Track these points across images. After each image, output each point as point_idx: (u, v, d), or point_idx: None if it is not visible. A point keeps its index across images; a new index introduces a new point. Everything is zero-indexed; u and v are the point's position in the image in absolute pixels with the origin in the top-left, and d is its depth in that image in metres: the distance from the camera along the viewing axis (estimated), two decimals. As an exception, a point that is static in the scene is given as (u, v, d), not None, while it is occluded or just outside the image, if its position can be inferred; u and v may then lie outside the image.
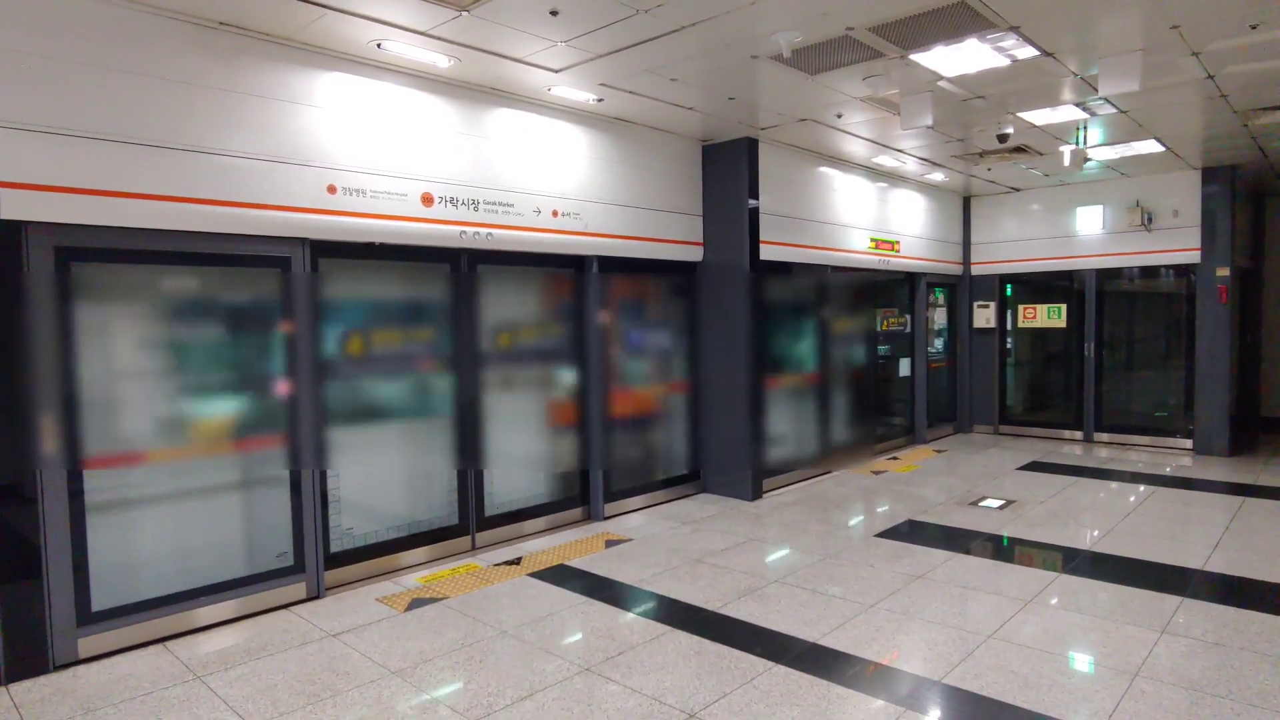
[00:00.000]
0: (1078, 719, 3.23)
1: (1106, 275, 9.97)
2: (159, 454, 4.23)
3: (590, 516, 6.54)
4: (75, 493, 3.90)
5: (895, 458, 9.21)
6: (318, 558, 4.78)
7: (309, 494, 4.76)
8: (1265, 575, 4.94)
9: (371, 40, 4.57)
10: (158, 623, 4.18)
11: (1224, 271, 8.84)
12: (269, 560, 4.63)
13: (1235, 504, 6.75)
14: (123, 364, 4.14)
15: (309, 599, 4.75)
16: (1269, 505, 6.67)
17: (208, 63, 4.21)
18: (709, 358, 7.28)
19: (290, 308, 4.66)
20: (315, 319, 4.75)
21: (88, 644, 3.94)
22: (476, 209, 5.44)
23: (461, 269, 5.55)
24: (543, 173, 5.89)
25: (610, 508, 6.61)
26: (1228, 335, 8.88)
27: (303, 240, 4.65)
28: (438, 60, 4.91)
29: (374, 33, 4.47)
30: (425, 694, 3.54)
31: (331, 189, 4.71)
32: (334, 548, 4.97)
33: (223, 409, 4.49)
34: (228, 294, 4.55)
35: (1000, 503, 6.92)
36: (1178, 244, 9.25)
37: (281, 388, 4.65)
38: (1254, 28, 4.65)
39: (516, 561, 5.46)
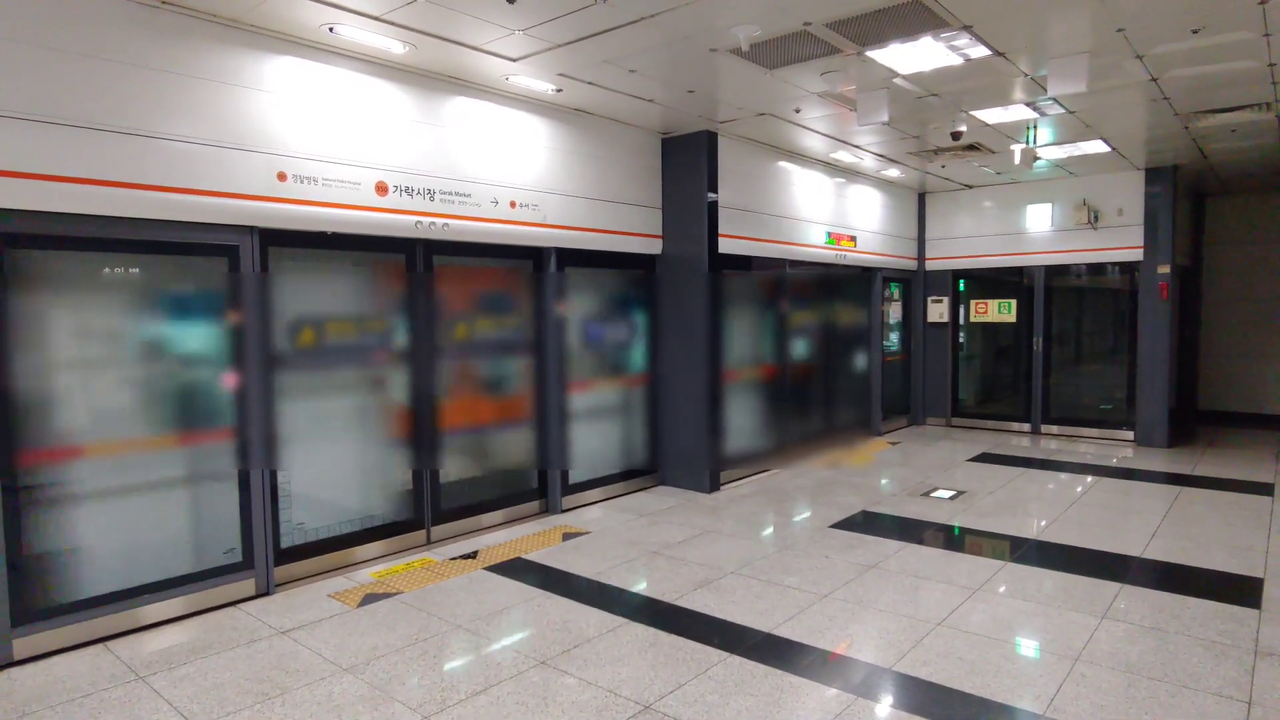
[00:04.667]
0: (1021, 703, 3.32)
1: (1055, 271, 10.24)
2: (99, 448, 4.09)
3: (548, 509, 6.51)
4: (9, 488, 3.75)
5: (851, 450, 9.35)
6: (267, 553, 4.68)
7: (258, 489, 4.65)
8: (1200, 562, 5.13)
9: (323, 24, 4.46)
10: (99, 622, 4.05)
11: (1165, 269, 9.14)
12: (216, 557, 4.52)
13: (1173, 493, 7.00)
14: (61, 354, 3.99)
15: (258, 596, 4.65)
16: (1204, 494, 6.94)
17: (150, 43, 4.07)
18: (667, 350, 7.29)
19: (238, 297, 4.54)
20: (264, 309, 4.64)
21: (23, 644, 3.80)
22: (432, 199, 5.36)
23: (417, 259, 5.47)
24: (501, 163, 5.83)
25: (568, 500, 6.60)
26: (1168, 331, 9.19)
27: (251, 229, 4.53)
28: (392, 46, 4.82)
29: (325, 16, 4.36)
30: (378, 690, 3.49)
31: (281, 176, 4.60)
32: (284, 543, 4.87)
33: (168, 401, 4.36)
34: (173, 283, 4.40)
35: (951, 493, 7.08)
36: (1122, 242, 9.53)
37: (229, 379, 4.53)
38: (1195, 32, 4.80)
39: (473, 555, 5.41)
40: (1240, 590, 4.60)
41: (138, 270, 4.24)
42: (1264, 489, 7.10)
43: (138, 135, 4.02)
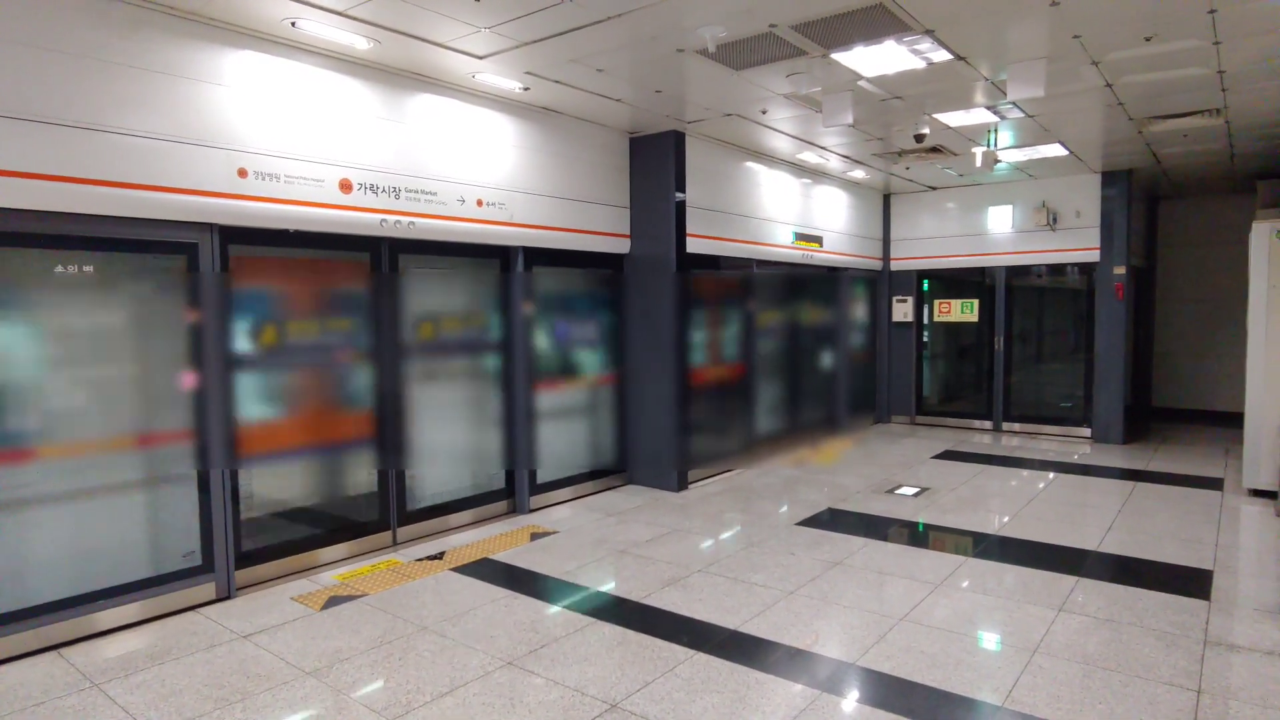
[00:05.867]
0: (981, 695, 3.39)
1: (1015, 272, 10.45)
2: (51, 450, 3.98)
3: (516, 509, 6.48)
4: (-44, 492, 3.64)
5: (817, 448, 9.44)
6: (228, 557, 4.60)
7: (218, 491, 4.56)
8: (1153, 555, 5.28)
9: (285, 18, 4.39)
10: (52, 628, 3.94)
11: (1121, 270, 9.37)
12: (175, 560, 4.42)
13: (1128, 488, 7.19)
14: (10, 355, 3.87)
15: (219, 599, 4.56)
16: (1158, 489, 7.13)
17: (104, 35, 3.97)
18: (635, 349, 7.30)
19: (197, 296, 4.45)
20: (224, 307, 4.55)
21: (-29, 653, 3.70)
22: (398, 197, 5.31)
23: (382, 258, 5.41)
24: (467, 161, 5.79)
25: (536, 500, 6.58)
26: (1123, 330, 9.43)
27: (211, 226, 4.44)
28: (356, 42, 4.76)
29: (287, 10, 4.29)
30: (341, 694, 3.45)
31: (242, 173, 4.52)
32: (246, 546, 4.79)
33: (125, 402, 4.25)
34: (129, 281, 4.30)
35: (915, 490, 7.19)
36: (1080, 243, 9.76)
37: (188, 380, 4.44)
38: (1148, 40, 4.93)
39: (439, 556, 5.37)
40: (1191, 582, 4.74)
41: (92, 267, 4.12)
42: (1214, 484, 7.31)
43: (91, 129, 3.92)
